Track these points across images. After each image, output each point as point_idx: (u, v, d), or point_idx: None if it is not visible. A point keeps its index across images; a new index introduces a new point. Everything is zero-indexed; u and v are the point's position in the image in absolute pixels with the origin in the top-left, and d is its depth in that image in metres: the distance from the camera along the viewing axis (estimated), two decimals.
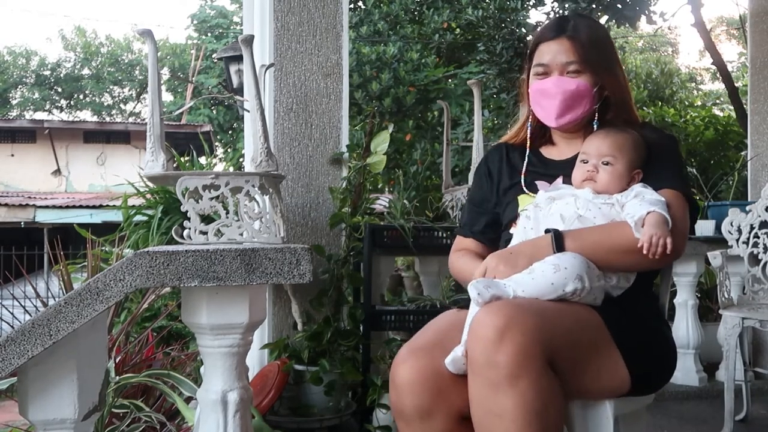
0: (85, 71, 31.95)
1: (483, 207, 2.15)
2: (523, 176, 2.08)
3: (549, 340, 1.56)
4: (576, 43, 2.00)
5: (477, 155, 3.43)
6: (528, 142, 2.13)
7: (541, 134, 2.16)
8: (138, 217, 5.07)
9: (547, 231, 1.81)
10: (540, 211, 1.90)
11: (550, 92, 2.00)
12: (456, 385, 1.69)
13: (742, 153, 7.07)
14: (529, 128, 2.14)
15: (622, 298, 1.83)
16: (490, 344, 1.53)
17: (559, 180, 2.02)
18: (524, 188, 2.05)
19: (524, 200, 2.03)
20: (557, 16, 2.08)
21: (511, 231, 1.99)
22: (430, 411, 1.68)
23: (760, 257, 3.51)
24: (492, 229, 2.12)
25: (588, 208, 1.84)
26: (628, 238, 1.75)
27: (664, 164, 1.93)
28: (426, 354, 1.72)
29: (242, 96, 2.42)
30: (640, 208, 1.75)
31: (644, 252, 1.70)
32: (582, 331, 1.69)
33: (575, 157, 1.99)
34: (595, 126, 2.03)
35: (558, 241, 1.77)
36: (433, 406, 1.68)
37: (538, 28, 2.14)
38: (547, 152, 2.14)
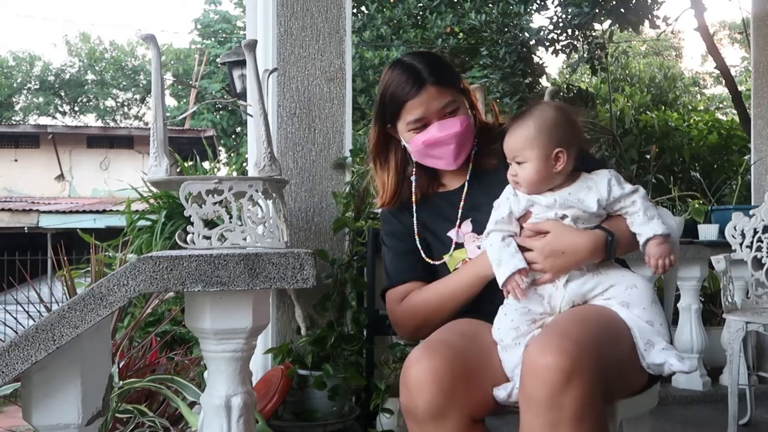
0: (89, 76, 32.03)
1: (412, 254, 2.10)
2: (436, 232, 2.08)
3: (606, 370, 1.58)
4: (441, 84, 1.98)
5: None
6: (414, 203, 2.12)
7: (427, 183, 2.13)
8: (141, 222, 5.10)
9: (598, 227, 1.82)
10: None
11: (441, 141, 1.98)
12: (469, 386, 1.69)
13: (746, 157, 7.05)
14: (414, 183, 2.12)
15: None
16: (556, 388, 1.51)
17: (467, 224, 2.03)
18: (444, 243, 2.05)
19: (452, 260, 2.03)
20: (408, 69, 1.98)
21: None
22: (443, 412, 1.66)
23: (763, 261, 3.50)
24: (432, 272, 2.09)
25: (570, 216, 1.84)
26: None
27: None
28: (439, 355, 1.70)
29: (245, 101, 2.42)
30: (647, 229, 1.80)
31: (652, 272, 1.81)
32: (617, 339, 1.72)
33: (463, 185, 2.06)
34: (472, 153, 2.07)
35: (611, 247, 1.80)
36: (446, 407, 1.66)
37: (390, 89, 2.02)
38: (440, 189, 2.14)
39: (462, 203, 2.05)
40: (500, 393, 1.72)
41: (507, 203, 1.86)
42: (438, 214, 2.09)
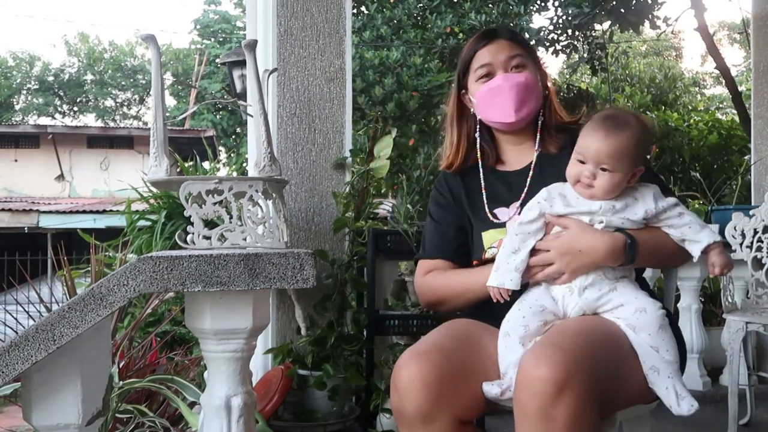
0: (89, 76, 32.03)
1: (452, 229, 2.10)
2: (486, 205, 2.05)
3: (601, 384, 1.57)
4: (512, 41, 2.07)
5: None
6: (480, 161, 2.12)
7: (489, 153, 2.13)
8: (141, 222, 5.09)
9: (618, 230, 1.80)
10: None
11: (502, 89, 2.00)
12: (458, 390, 1.70)
13: (746, 157, 7.05)
14: (478, 143, 2.12)
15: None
16: (548, 399, 1.51)
17: (514, 207, 1.99)
18: (489, 215, 2.02)
19: (489, 236, 1.99)
20: (484, 30, 2.09)
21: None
22: (432, 415, 1.68)
23: (763, 261, 3.50)
24: (465, 252, 2.08)
25: (605, 222, 1.81)
26: (675, 246, 1.84)
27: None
28: (428, 358, 1.71)
29: (245, 101, 2.42)
30: (704, 236, 1.80)
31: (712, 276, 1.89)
32: (617, 353, 1.71)
33: (529, 166, 2.05)
34: (539, 123, 2.07)
35: (632, 250, 1.77)
36: (435, 410, 1.68)
37: (466, 46, 2.13)
38: (501, 167, 2.13)
39: (526, 188, 2.01)
40: (491, 389, 1.71)
41: (538, 207, 1.84)
42: (491, 189, 2.08)
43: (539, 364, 1.54)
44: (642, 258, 1.79)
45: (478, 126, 2.13)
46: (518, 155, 2.10)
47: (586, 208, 1.80)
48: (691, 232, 1.80)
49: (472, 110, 2.13)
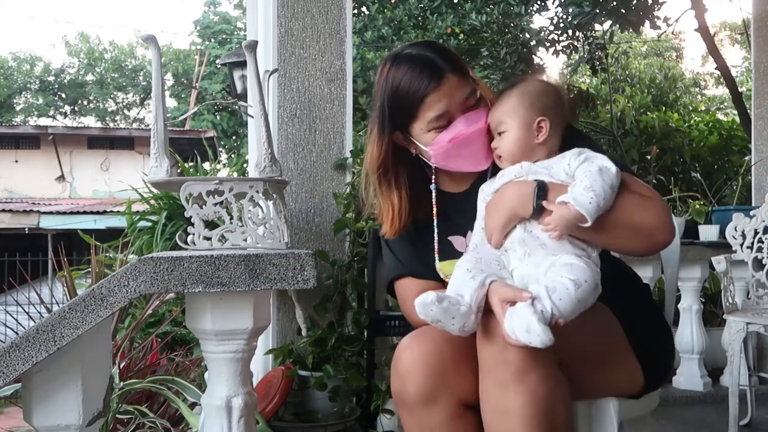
0: (89, 77, 32.04)
1: (425, 251, 1.92)
2: (437, 234, 1.90)
3: (559, 339, 1.48)
4: (460, 72, 1.79)
5: None
6: (434, 217, 1.90)
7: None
8: (142, 223, 5.10)
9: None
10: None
11: (471, 139, 1.77)
12: (460, 371, 1.67)
13: (746, 158, 7.06)
14: (434, 194, 1.92)
15: (624, 290, 1.83)
16: (499, 343, 1.52)
17: (469, 236, 1.84)
18: (437, 246, 1.88)
19: (446, 266, 1.86)
20: (419, 61, 1.77)
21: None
22: (434, 397, 1.64)
23: (764, 262, 3.50)
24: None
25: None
26: (614, 219, 1.61)
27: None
28: (429, 339, 1.68)
29: (246, 101, 2.42)
30: (571, 190, 1.59)
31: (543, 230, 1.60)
32: (596, 330, 1.67)
33: (475, 186, 1.84)
34: None
35: (540, 193, 1.60)
36: (437, 392, 1.64)
37: (401, 87, 1.77)
38: (447, 188, 1.95)
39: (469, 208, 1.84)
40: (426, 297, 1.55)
41: (483, 206, 1.75)
42: (443, 213, 1.92)
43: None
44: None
45: (433, 176, 1.91)
46: (463, 176, 1.90)
47: (510, 175, 1.71)
48: (575, 181, 1.62)
49: (413, 151, 1.89)
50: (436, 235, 1.90)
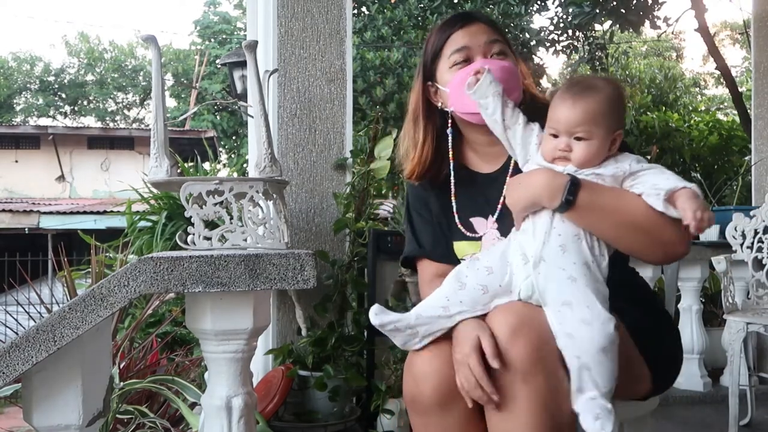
0: (89, 77, 32.03)
1: (438, 227, 1.94)
2: (457, 214, 1.90)
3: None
4: (491, 25, 1.86)
5: None
6: (451, 162, 1.92)
7: (458, 152, 1.94)
8: (142, 223, 5.10)
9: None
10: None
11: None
12: None
13: (746, 158, 7.06)
14: (450, 138, 1.92)
15: (635, 297, 1.82)
16: (503, 342, 1.51)
17: (491, 221, 1.84)
18: (459, 226, 1.88)
19: (460, 248, 1.89)
20: (457, 12, 1.96)
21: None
22: (451, 400, 1.60)
23: (764, 262, 3.50)
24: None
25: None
26: (644, 211, 1.57)
27: None
28: (444, 341, 1.64)
29: (246, 101, 2.43)
30: (668, 182, 1.54)
31: (692, 230, 1.52)
32: None
33: (505, 168, 1.85)
34: None
35: (573, 188, 1.57)
36: (453, 395, 1.59)
37: (434, 30, 1.89)
38: (473, 168, 1.94)
39: (502, 197, 1.82)
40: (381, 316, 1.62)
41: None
42: (464, 193, 1.92)
43: (501, 312, 1.56)
44: (586, 209, 1.58)
45: (449, 122, 1.91)
46: (492, 156, 1.90)
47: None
48: (650, 179, 1.58)
49: (440, 105, 1.92)
50: (456, 216, 1.90)
